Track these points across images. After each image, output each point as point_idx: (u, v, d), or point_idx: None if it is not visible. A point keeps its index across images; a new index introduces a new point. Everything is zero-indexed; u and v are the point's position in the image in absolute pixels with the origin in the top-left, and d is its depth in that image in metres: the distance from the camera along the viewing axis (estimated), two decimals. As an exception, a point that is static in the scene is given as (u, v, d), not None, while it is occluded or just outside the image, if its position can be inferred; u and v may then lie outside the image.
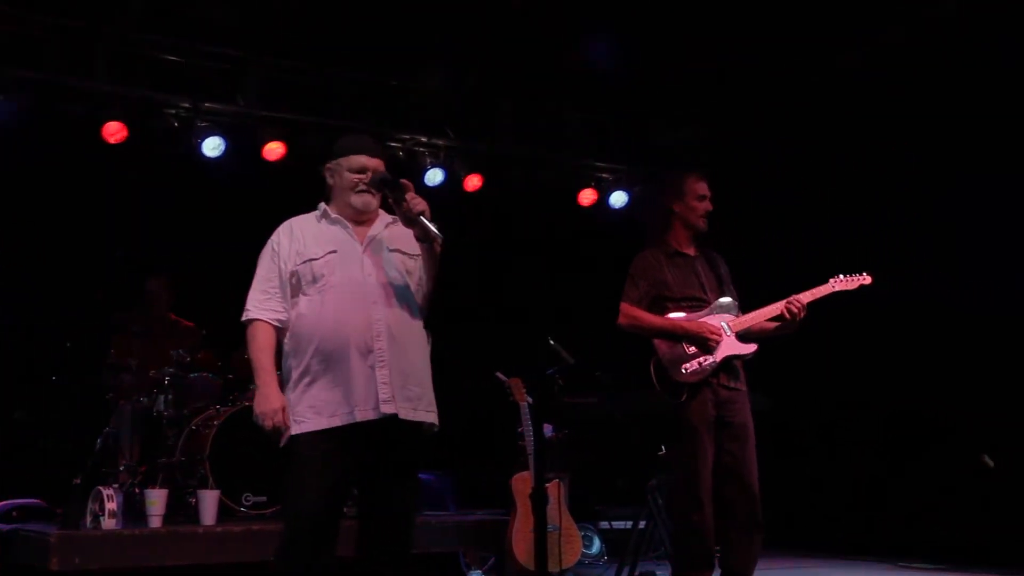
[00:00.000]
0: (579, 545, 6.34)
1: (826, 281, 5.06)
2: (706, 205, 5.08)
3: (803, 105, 8.06)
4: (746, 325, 4.97)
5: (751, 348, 4.96)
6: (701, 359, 4.89)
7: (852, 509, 7.70)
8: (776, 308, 4.96)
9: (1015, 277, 6.89)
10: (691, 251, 5.13)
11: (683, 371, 4.87)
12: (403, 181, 3.83)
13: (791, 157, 8.12)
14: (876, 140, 7.69)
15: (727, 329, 4.94)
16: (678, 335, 4.92)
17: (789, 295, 4.96)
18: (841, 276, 5.08)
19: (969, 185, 7.10)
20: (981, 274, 7.06)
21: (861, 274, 5.10)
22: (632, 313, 5.00)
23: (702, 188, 5.09)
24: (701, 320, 4.94)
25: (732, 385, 4.94)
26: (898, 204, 7.63)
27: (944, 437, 7.15)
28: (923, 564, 7.05)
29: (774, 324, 5.01)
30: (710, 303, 5.01)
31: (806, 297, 4.97)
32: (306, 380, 3.75)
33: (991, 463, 6.80)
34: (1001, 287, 6.94)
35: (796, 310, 4.90)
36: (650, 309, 4.99)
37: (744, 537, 4.85)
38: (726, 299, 5.05)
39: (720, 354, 4.90)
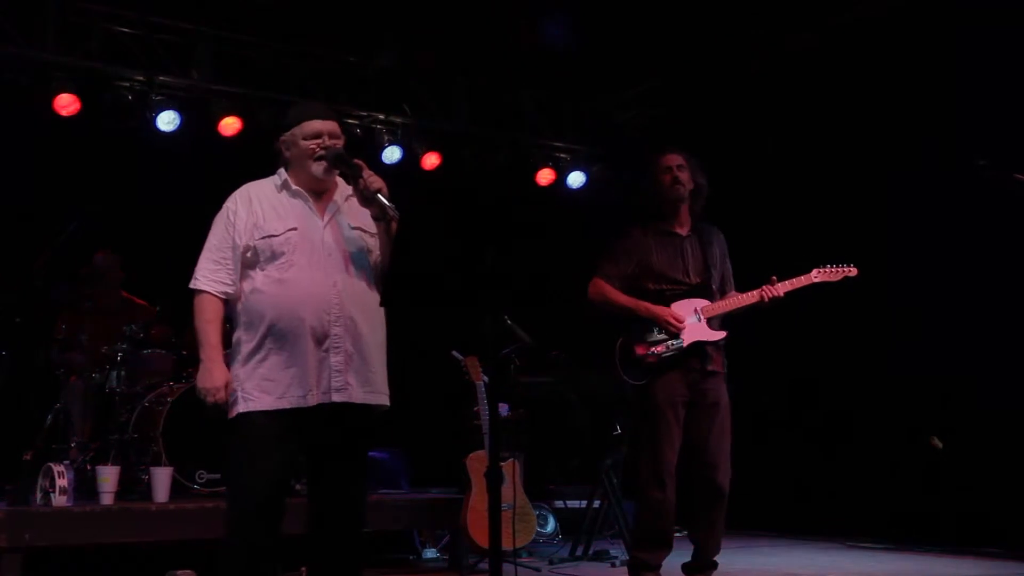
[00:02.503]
0: (534, 524, 6.37)
1: (808, 271, 4.93)
2: (673, 175, 4.99)
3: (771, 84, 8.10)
4: (717, 312, 4.95)
5: (720, 335, 4.94)
6: (669, 343, 4.87)
7: (800, 489, 7.77)
8: (751, 297, 4.91)
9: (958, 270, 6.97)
10: (683, 230, 5.05)
11: (649, 353, 4.88)
12: (356, 161, 3.77)
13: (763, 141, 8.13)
14: (837, 116, 7.73)
15: (698, 316, 4.92)
16: (642, 316, 4.91)
17: (763, 280, 4.90)
18: (824, 267, 4.94)
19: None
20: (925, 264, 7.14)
21: (848, 265, 4.94)
22: (602, 288, 4.99)
23: (667, 160, 5.03)
24: (669, 307, 4.91)
25: (706, 368, 4.91)
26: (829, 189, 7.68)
27: (891, 420, 7.23)
28: (871, 543, 7.14)
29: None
30: (691, 286, 4.96)
31: (784, 288, 4.87)
32: (257, 357, 3.67)
33: (940, 444, 6.89)
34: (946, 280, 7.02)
35: (768, 299, 4.87)
36: (628, 288, 4.97)
37: (707, 515, 4.89)
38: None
39: (688, 339, 4.88)
